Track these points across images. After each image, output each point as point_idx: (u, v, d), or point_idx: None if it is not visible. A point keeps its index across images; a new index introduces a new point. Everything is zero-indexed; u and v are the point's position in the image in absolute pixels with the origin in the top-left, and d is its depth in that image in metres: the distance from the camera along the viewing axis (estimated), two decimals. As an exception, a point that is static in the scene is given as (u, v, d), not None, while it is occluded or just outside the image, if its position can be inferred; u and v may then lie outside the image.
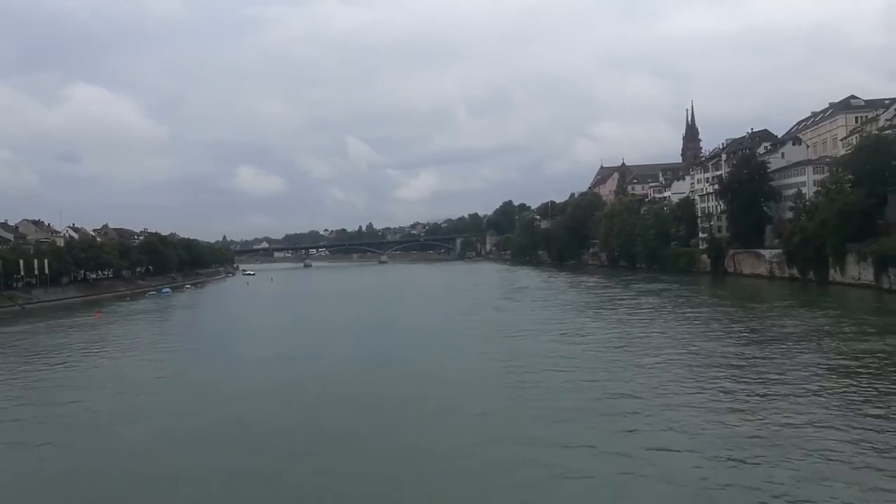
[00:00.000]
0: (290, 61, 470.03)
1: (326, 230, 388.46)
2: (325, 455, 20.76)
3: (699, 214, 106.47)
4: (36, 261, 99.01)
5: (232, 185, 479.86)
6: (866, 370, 28.39)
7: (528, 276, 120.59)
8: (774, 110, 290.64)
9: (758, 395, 25.32)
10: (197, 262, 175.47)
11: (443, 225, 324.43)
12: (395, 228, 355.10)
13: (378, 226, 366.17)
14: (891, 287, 57.39)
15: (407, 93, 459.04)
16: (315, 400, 28.64)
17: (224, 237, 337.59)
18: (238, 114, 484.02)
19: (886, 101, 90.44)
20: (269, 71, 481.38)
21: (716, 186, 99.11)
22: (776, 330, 40.49)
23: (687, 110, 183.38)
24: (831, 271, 67.48)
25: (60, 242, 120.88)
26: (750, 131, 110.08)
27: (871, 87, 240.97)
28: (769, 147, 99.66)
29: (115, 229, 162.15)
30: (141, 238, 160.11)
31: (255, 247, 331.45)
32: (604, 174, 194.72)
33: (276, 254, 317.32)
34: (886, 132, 72.14)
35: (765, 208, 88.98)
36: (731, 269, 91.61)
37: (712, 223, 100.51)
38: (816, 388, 25.79)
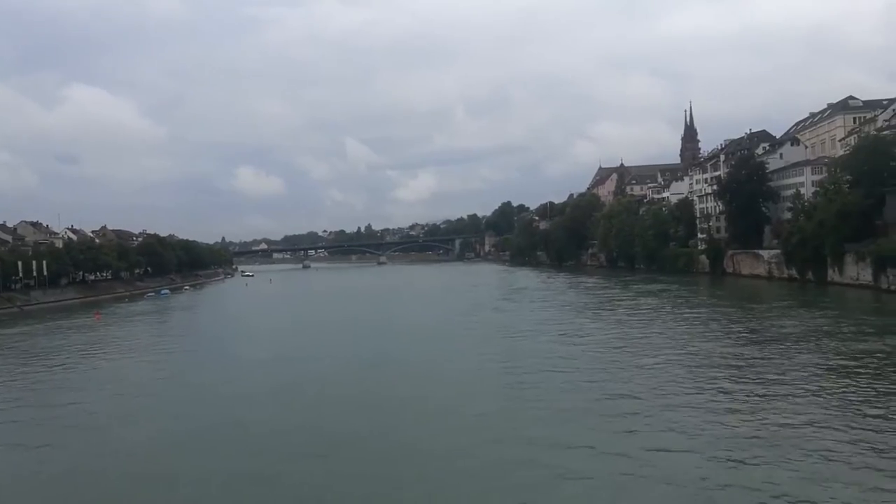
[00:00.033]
0: (290, 61, 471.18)
1: (325, 231, 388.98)
2: (325, 456, 20.74)
3: (698, 215, 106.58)
4: (34, 262, 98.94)
5: (231, 185, 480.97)
6: (865, 370, 28.41)
7: (526, 277, 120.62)
8: (773, 111, 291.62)
9: (757, 395, 25.33)
10: (196, 264, 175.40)
11: (441, 226, 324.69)
12: (393, 229, 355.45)
13: (377, 227, 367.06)
14: (889, 287, 57.47)
15: (406, 93, 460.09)
16: (314, 401, 28.63)
17: (223, 238, 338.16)
18: (237, 114, 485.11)
19: (885, 102, 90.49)
20: (268, 71, 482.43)
21: (714, 187, 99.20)
22: (775, 330, 40.51)
23: (685, 111, 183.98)
24: (830, 272, 67.55)
25: (59, 244, 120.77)
26: (748, 132, 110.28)
27: (871, 88, 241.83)
28: (768, 147, 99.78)
29: (113, 231, 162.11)
30: (140, 239, 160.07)
31: (254, 248, 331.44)
32: (602, 175, 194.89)
33: (275, 255, 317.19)
34: (884, 133, 72.18)
35: (763, 209, 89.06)
36: (729, 270, 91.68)
37: (711, 224, 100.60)
38: (815, 388, 25.81)
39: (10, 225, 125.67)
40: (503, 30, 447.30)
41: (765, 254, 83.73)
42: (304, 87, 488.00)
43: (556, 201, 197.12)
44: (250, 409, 27.40)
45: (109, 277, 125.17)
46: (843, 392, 25.04)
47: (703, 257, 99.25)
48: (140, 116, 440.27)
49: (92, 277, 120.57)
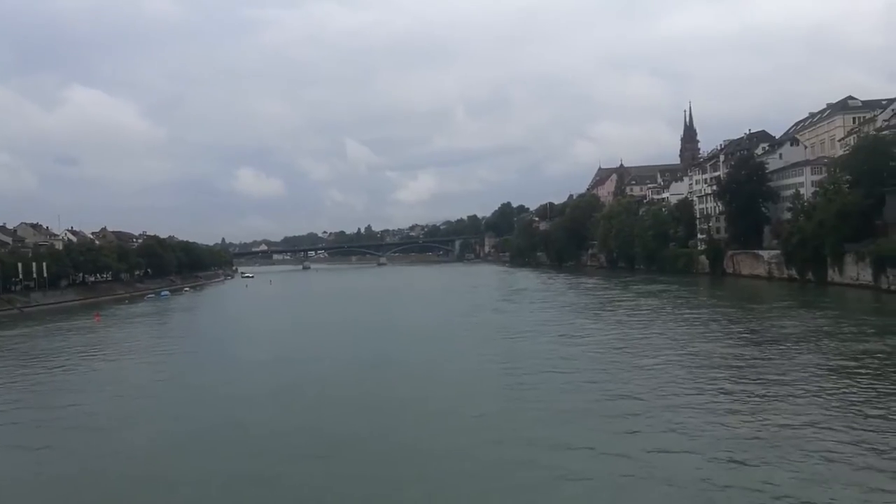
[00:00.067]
0: (289, 62, 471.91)
1: (325, 232, 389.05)
2: (325, 457, 20.72)
3: (697, 215, 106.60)
4: (34, 264, 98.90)
5: (231, 186, 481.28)
6: (865, 371, 28.39)
7: (526, 278, 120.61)
8: (772, 111, 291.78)
9: (757, 396, 25.31)
10: (196, 265, 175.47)
11: (441, 227, 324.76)
12: (393, 230, 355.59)
13: (377, 228, 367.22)
14: (889, 287, 57.46)
15: (405, 93, 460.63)
16: (314, 402, 28.62)
17: (223, 240, 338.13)
18: (237, 115, 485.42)
19: (884, 102, 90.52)
20: (267, 72, 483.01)
21: (714, 187, 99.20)
22: (775, 331, 40.50)
23: (685, 111, 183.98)
24: (830, 272, 67.54)
25: (59, 245, 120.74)
26: (748, 132, 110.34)
27: (871, 88, 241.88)
28: (767, 148, 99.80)
29: (113, 232, 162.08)
30: (140, 241, 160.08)
31: (254, 249, 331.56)
32: (602, 175, 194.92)
33: (275, 256, 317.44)
34: (884, 133, 72.20)
35: (763, 209, 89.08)
36: (729, 270, 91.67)
37: (710, 224, 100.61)
38: (816, 388, 25.79)
39: (9, 226, 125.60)
40: (503, 30, 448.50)
41: (765, 254, 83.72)
42: (304, 88, 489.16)
43: (556, 202, 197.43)
44: (250, 410, 27.38)
45: (109, 279, 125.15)
46: (844, 392, 25.03)
47: (702, 258, 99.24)
48: (140, 118, 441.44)
49: (92, 279, 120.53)
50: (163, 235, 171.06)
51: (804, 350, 33.64)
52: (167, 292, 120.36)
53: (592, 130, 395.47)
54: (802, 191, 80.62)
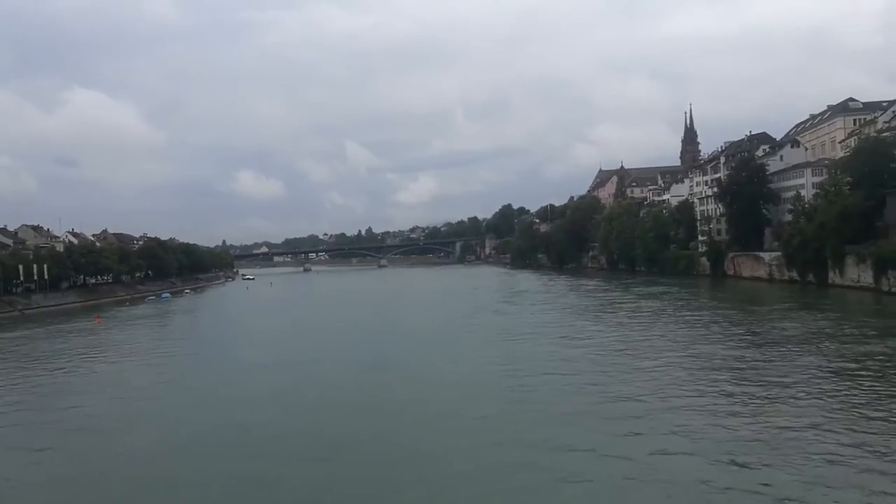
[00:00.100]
0: (289, 64, 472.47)
1: (326, 234, 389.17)
2: (326, 459, 20.74)
3: (698, 217, 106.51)
4: (35, 266, 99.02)
5: (231, 188, 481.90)
6: (867, 373, 28.37)
7: (527, 280, 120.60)
8: (773, 113, 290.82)
9: (758, 398, 25.27)
10: (196, 267, 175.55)
11: (442, 229, 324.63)
12: (394, 232, 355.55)
13: (377, 230, 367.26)
14: (890, 289, 57.39)
15: (405, 96, 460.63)
16: (315, 404, 28.61)
17: (223, 242, 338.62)
18: (236, 117, 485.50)
19: (884, 104, 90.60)
20: (267, 74, 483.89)
21: (715, 189, 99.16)
22: (776, 333, 40.47)
23: (685, 113, 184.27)
24: (831, 274, 67.48)
25: (60, 248, 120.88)
26: (748, 134, 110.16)
27: (871, 89, 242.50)
28: (768, 150, 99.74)
29: (114, 234, 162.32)
30: (140, 243, 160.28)
31: (255, 251, 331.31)
32: (603, 177, 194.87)
33: (276, 258, 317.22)
34: (884, 134, 72.23)
35: (764, 211, 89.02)
36: (730, 272, 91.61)
37: (711, 226, 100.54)
38: (817, 391, 25.76)
39: (10, 228, 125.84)
40: (502, 33, 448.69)
41: (766, 256, 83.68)
42: (304, 90, 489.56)
43: (557, 204, 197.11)
44: (251, 412, 27.39)
45: (110, 281, 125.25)
46: (845, 395, 25.01)
47: (703, 259, 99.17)
48: (139, 120, 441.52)
49: (93, 281, 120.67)
50: (163, 237, 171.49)
51: (805, 352, 33.60)
52: (168, 294, 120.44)
53: (593, 133, 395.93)
54: (803, 192, 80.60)
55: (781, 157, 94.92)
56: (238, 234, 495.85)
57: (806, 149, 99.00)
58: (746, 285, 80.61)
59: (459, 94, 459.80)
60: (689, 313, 54.08)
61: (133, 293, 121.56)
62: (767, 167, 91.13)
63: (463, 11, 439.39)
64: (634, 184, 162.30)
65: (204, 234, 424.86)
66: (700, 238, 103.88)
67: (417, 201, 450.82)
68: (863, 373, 28.36)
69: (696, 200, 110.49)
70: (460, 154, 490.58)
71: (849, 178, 68.19)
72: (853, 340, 35.98)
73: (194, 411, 28.48)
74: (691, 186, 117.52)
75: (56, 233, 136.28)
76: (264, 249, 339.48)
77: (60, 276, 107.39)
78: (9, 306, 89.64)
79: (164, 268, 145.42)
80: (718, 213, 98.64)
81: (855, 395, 24.79)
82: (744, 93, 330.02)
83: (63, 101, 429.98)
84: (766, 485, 16.77)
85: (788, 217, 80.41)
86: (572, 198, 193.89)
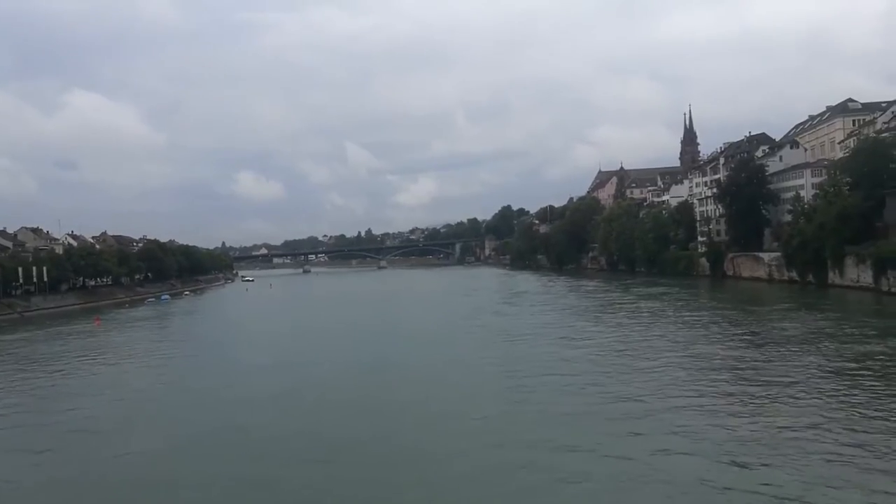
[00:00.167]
0: (288, 66, 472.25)
1: (325, 236, 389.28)
2: (326, 461, 20.71)
3: (698, 218, 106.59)
4: (35, 268, 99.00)
5: (231, 190, 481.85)
6: (867, 372, 28.35)
7: (527, 281, 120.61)
8: (772, 114, 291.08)
9: (758, 398, 25.26)
10: (196, 269, 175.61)
11: (442, 230, 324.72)
12: (394, 234, 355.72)
13: (377, 231, 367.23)
14: (890, 289, 57.41)
15: (406, 98, 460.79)
16: (314, 405, 28.59)
17: (223, 243, 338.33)
18: (236, 119, 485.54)
19: (883, 105, 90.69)
20: (267, 76, 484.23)
21: (714, 190, 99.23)
22: (776, 333, 40.47)
23: (685, 114, 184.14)
24: (830, 274, 67.50)
25: (59, 250, 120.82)
26: (748, 135, 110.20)
27: (870, 91, 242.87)
28: (767, 150, 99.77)
29: (113, 236, 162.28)
30: (140, 245, 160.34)
31: (254, 253, 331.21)
32: (602, 178, 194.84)
33: (276, 260, 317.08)
34: (883, 135, 72.29)
35: (763, 211, 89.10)
36: (730, 273, 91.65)
37: (711, 227, 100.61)
38: (817, 391, 25.75)
39: (10, 231, 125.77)
40: (503, 34, 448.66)
41: (765, 256, 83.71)
42: (304, 92, 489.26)
43: (556, 205, 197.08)
44: (251, 414, 27.36)
45: (110, 283, 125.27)
46: (845, 395, 25.01)
47: (703, 260, 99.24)
48: (139, 122, 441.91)
49: (92, 283, 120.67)
50: (163, 239, 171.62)
51: (805, 352, 33.59)
52: (167, 296, 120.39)
53: (592, 134, 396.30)
54: (802, 193, 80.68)
55: (781, 157, 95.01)
56: (238, 235, 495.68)
57: (805, 149, 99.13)
58: (746, 286, 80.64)
59: (460, 96, 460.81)
60: (688, 314, 54.07)
61: (132, 295, 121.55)
62: (767, 168, 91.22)
63: (463, 13, 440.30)
64: (634, 185, 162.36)
65: (203, 236, 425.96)
66: (699, 239, 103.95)
67: (417, 203, 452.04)
68: (863, 372, 28.35)
69: (695, 201, 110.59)
70: (460, 156, 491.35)
71: (848, 179, 68.26)
72: (853, 340, 35.98)
73: (194, 413, 28.44)
74: (691, 187, 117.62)
75: (55, 235, 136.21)
76: (264, 251, 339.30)
77: (60, 279, 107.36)
78: (8, 309, 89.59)
79: (163, 270, 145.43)
80: (718, 214, 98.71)
81: (855, 395, 24.78)
82: (743, 94, 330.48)
83: (63, 104, 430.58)
84: (766, 484, 16.76)
85: (788, 217, 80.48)
86: (572, 199, 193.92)
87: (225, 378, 36.19)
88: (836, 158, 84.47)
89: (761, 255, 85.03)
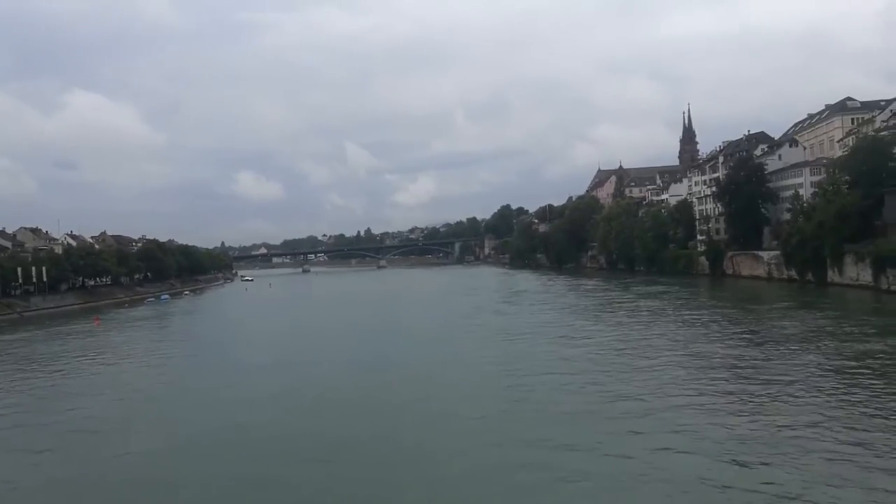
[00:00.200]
0: (288, 66, 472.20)
1: (325, 235, 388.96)
2: (326, 460, 20.72)
3: (697, 217, 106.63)
4: (34, 268, 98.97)
5: (230, 190, 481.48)
6: (866, 371, 28.37)
7: (526, 280, 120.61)
8: (771, 112, 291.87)
9: (758, 396, 25.28)
10: (195, 269, 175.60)
11: (441, 229, 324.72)
12: (393, 233, 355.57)
13: (376, 231, 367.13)
14: (889, 288, 57.45)
15: (405, 97, 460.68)
16: (314, 405, 28.59)
17: (222, 243, 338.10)
18: (236, 119, 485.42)
19: (882, 103, 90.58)
20: (267, 76, 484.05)
21: (713, 188, 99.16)
22: (776, 331, 40.48)
23: (684, 113, 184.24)
24: (829, 272, 67.53)
25: (58, 250, 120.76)
26: (747, 133, 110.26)
27: (869, 89, 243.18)
28: (766, 149, 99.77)
29: (113, 236, 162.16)
30: (139, 245, 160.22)
31: (254, 252, 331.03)
32: (601, 177, 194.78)
33: (275, 259, 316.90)
34: (882, 133, 72.26)
35: (762, 210, 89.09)
36: (729, 271, 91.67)
37: (710, 225, 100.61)
38: (816, 389, 25.77)
39: (9, 231, 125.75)
40: (502, 34, 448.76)
41: (764, 255, 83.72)
42: (304, 92, 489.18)
43: (556, 204, 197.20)
44: (251, 413, 27.37)
45: (109, 283, 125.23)
46: (845, 393, 25.01)
47: (702, 259, 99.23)
48: (139, 122, 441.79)
49: (92, 283, 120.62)
50: (162, 239, 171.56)
51: (805, 350, 33.61)
52: (167, 296, 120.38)
53: (592, 133, 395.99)
54: (802, 192, 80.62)
55: (780, 156, 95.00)
56: (237, 235, 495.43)
57: (804, 148, 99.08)
58: (745, 284, 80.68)
59: (459, 96, 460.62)
60: (688, 312, 54.09)
61: (132, 295, 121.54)
62: (766, 166, 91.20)
63: (462, 13, 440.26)
64: (633, 183, 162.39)
65: (203, 236, 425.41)
66: (699, 237, 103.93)
67: (417, 202, 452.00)
68: (862, 371, 28.36)
69: (694, 200, 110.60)
70: (460, 155, 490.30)
71: (847, 177, 68.25)
72: (852, 339, 35.98)
73: (194, 412, 28.44)
74: (690, 186, 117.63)
75: (55, 235, 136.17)
76: (263, 251, 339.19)
77: (59, 279, 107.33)
78: (7, 309, 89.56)
79: (163, 269, 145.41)
80: (717, 213, 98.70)
81: (855, 394, 24.78)
82: (742, 93, 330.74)
83: (63, 104, 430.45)
84: (766, 483, 16.78)
85: (787, 216, 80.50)
86: (571, 198, 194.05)
87: (225, 378, 36.19)
88: (835, 157, 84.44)
89: (760, 253, 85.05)
